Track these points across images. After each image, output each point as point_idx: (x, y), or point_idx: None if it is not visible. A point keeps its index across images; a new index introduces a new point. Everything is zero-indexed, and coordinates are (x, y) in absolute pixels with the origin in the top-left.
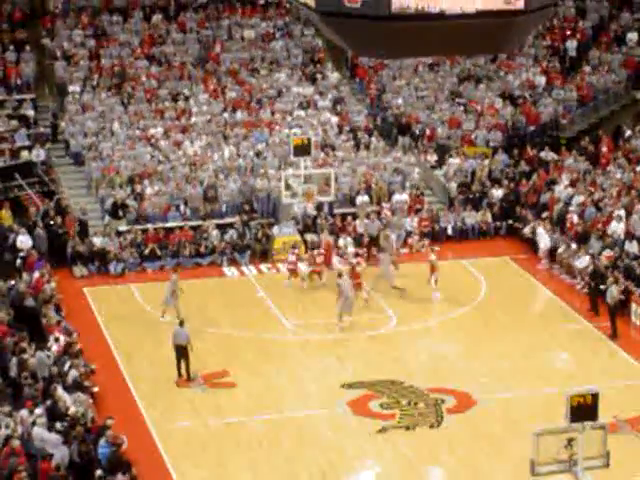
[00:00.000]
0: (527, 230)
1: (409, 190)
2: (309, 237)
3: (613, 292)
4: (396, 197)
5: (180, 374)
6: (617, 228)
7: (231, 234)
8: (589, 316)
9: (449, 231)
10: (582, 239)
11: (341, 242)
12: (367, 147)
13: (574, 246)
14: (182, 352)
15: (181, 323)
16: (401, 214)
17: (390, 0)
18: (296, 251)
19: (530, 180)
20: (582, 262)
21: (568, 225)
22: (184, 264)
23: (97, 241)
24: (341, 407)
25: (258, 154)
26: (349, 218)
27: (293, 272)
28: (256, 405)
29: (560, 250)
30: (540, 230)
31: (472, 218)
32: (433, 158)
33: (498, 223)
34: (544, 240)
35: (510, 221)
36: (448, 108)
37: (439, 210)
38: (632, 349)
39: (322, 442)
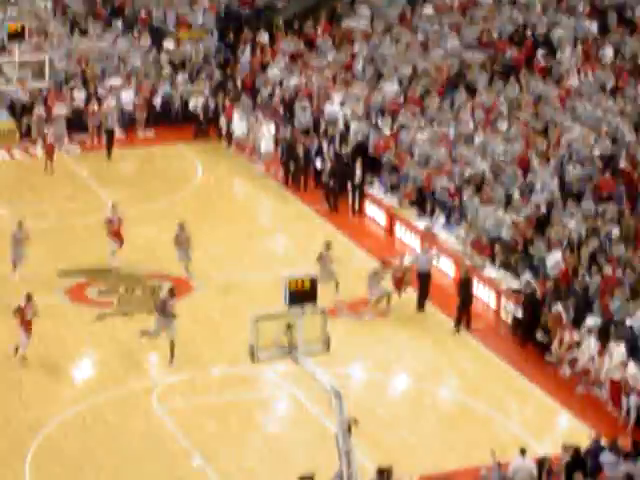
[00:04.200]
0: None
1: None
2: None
3: None
4: (111, 80)
5: None
6: (335, 112)
7: None
8: (301, 195)
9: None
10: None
11: None
12: (82, 32)
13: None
14: None
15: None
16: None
17: None
18: None
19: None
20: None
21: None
22: None
23: None
24: (58, 295)
25: None
26: None
27: None
28: None
29: None
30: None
31: (194, 100)
32: (147, 41)
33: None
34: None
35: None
36: None
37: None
38: (353, 234)
39: (39, 330)
